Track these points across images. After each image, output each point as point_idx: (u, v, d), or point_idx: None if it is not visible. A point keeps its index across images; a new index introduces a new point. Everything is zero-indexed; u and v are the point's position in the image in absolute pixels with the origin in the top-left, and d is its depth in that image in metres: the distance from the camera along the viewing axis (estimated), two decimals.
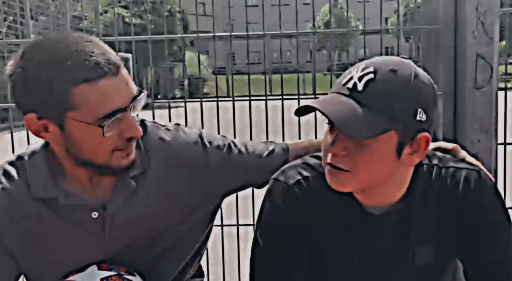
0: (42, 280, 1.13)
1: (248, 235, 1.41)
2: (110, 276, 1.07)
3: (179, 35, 2.02)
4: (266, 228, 1.07)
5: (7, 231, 1.07)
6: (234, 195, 1.33)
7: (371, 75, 0.91)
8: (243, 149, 1.21)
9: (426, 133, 0.94)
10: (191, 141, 1.17)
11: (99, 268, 1.09)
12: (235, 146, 1.21)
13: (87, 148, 0.99)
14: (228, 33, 1.85)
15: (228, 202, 1.35)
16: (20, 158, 1.10)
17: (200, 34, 1.83)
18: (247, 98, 1.90)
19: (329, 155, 0.95)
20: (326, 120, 0.96)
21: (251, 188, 1.29)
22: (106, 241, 1.10)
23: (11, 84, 0.99)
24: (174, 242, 1.19)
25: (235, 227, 1.96)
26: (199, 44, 2.24)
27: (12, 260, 1.09)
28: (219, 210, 1.29)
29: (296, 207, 1.05)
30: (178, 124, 1.22)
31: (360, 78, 0.91)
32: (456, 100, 1.56)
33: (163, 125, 1.19)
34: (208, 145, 1.17)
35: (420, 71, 0.94)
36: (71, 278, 1.08)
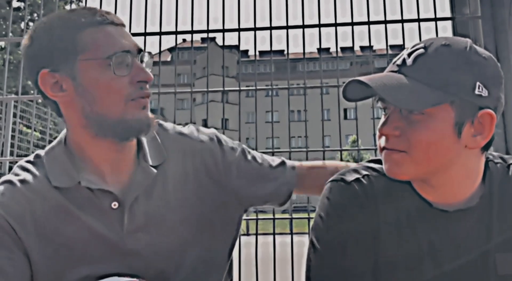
0: None
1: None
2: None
3: None
4: (324, 228, 0.94)
5: (26, 226, 0.99)
6: None
7: (422, 50, 0.87)
8: (257, 156, 1.22)
9: (489, 110, 0.85)
10: (207, 137, 1.19)
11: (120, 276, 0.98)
12: (249, 152, 1.22)
13: (101, 97, 0.99)
14: None
15: None
16: (37, 156, 1.10)
17: None
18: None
19: (383, 139, 0.89)
20: (380, 105, 0.92)
21: None
22: (125, 240, 1.03)
23: (23, 56, 1.03)
24: (199, 255, 1.10)
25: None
26: None
27: (25, 259, 0.99)
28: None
29: (357, 204, 0.93)
30: (194, 123, 1.25)
31: (410, 54, 0.88)
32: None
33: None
34: (224, 143, 1.19)
35: (479, 47, 0.88)
36: None
